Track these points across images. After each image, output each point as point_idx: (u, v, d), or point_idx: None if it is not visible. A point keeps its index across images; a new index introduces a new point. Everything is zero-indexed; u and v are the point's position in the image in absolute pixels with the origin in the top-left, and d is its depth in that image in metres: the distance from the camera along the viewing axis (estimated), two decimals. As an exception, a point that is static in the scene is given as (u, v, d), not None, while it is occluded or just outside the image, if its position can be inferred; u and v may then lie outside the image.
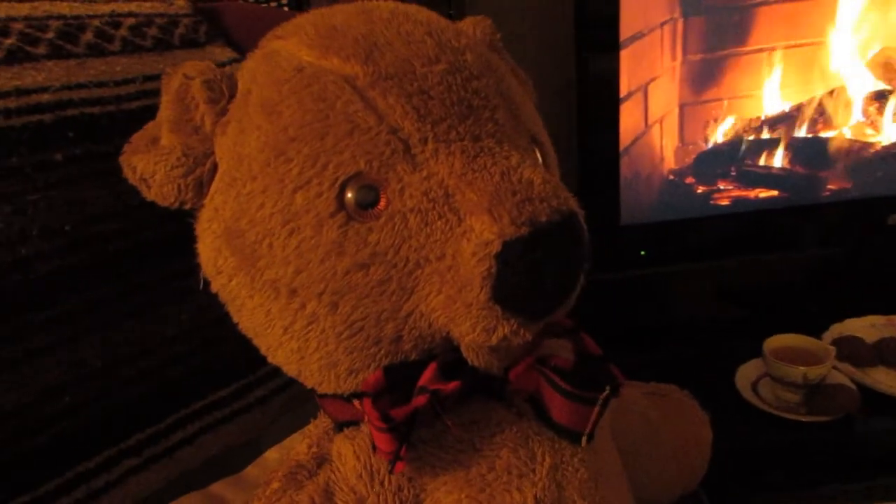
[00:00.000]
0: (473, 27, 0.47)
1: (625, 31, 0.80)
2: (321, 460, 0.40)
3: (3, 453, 0.40)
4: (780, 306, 0.90)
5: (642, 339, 0.88)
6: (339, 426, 0.41)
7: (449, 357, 0.37)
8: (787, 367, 0.74)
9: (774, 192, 0.91)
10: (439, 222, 0.34)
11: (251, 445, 0.51)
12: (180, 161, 0.37)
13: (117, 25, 0.54)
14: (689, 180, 0.90)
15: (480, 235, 0.33)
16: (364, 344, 0.36)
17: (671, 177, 0.89)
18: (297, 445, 0.41)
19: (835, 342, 0.82)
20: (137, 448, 0.46)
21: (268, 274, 0.35)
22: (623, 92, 0.82)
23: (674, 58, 0.84)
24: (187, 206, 0.38)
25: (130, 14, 0.56)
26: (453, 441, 0.38)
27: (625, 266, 0.90)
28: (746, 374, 0.80)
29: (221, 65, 0.49)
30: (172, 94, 0.38)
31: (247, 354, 0.39)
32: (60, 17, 0.52)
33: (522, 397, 0.40)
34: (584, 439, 0.39)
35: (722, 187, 0.91)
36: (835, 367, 0.78)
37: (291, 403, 0.43)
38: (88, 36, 0.52)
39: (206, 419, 0.50)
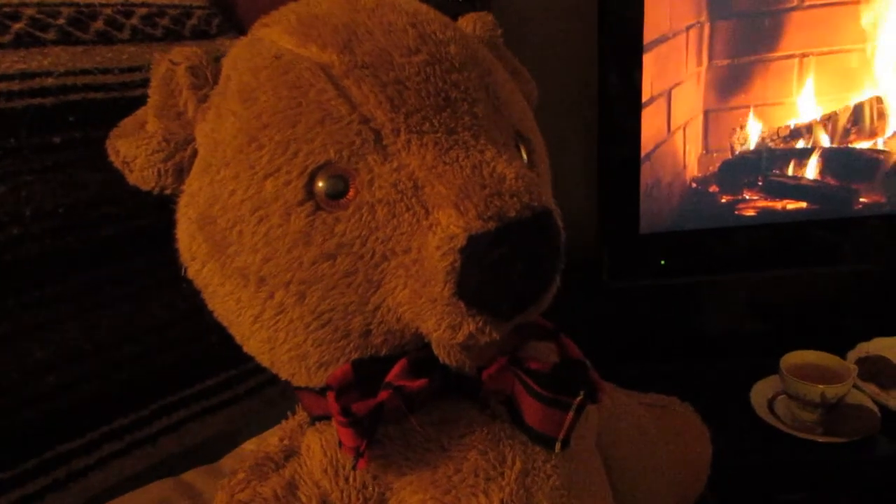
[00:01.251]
0: (474, 23, 0.46)
1: (649, 34, 0.78)
2: (290, 453, 0.39)
3: (-15, 428, 0.41)
4: (804, 323, 0.86)
5: (658, 350, 0.86)
6: (314, 420, 0.40)
7: (420, 354, 0.37)
8: (804, 384, 0.71)
9: (803, 204, 0.87)
10: (406, 214, 0.33)
11: (230, 436, 0.51)
12: (161, 146, 0.37)
13: (129, 14, 0.55)
14: (713, 189, 0.87)
15: (446, 229, 0.32)
16: (332, 336, 0.36)
17: (694, 185, 0.87)
18: (270, 438, 0.41)
19: (859, 361, 0.79)
20: (120, 432, 0.47)
21: (237, 261, 0.35)
22: (645, 97, 0.80)
23: (699, 63, 0.82)
24: (167, 192, 0.39)
25: (144, 4, 0.57)
26: (421, 440, 0.37)
27: (644, 275, 0.88)
28: (763, 390, 0.77)
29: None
30: (158, 79, 0.39)
31: (236, 345, 0.39)
32: (73, 4, 0.53)
33: (498, 399, 0.39)
34: (557, 445, 0.37)
35: (747, 197, 0.88)
36: (857, 387, 0.75)
37: (278, 397, 0.43)
38: (99, 24, 0.53)
39: (193, 408, 0.51)
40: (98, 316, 0.46)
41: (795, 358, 0.74)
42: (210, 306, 0.39)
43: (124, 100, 0.50)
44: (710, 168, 0.87)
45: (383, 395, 0.34)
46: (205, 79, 0.38)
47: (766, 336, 0.88)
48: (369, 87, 0.34)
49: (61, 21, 0.51)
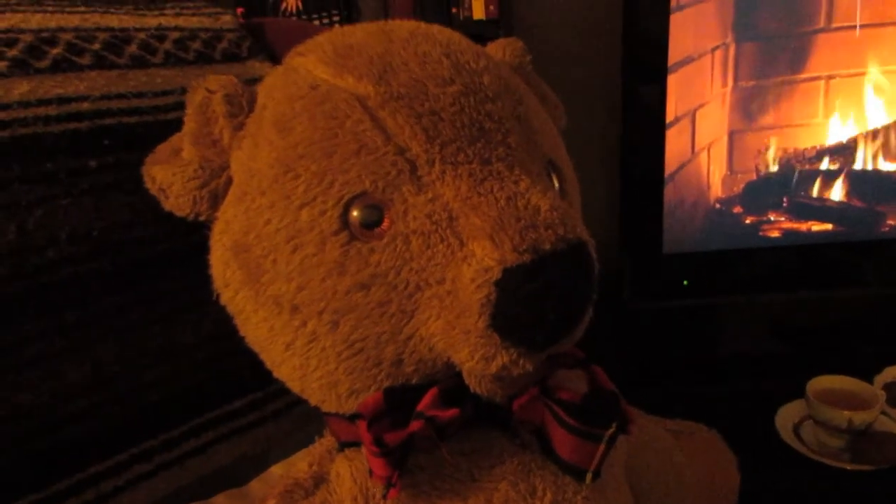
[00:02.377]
0: (503, 49, 0.46)
1: (674, 55, 0.78)
2: (319, 480, 0.39)
3: (16, 452, 0.42)
4: (830, 346, 0.85)
5: (680, 372, 0.85)
6: (342, 446, 0.40)
7: (451, 383, 0.36)
8: (830, 410, 0.70)
9: (829, 226, 0.87)
10: (441, 245, 0.33)
11: (258, 459, 0.51)
12: (196, 173, 0.38)
13: (162, 38, 0.56)
14: (737, 210, 0.87)
15: (481, 261, 0.32)
16: (364, 365, 0.36)
17: (718, 206, 0.86)
18: (299, 463, 0.41)
19: (886, 386, 0.77)
20: (149, 454, 0.47)
21: (271, 289, 0.36)
22: (670, 117, 0.80)
23: (724, 84, 0.81)
24: (202, 218, 0.39)
25: (176, 28, 0.58)
26: (451, 470, 0.37)
27: (666, 296, 0.88)
28: (788, 415, 0.76)
29: (259, 80, 0.50)
30: (195, 107, 0.39)
31: (263, 367, 0.39)
32: (108, 29, 0.54)
33: (528, 429, 0.39)
34: (588, 476, 0.37)
35: (772, 218, 0.87)
36: (885, 414, 0.74)
37: (306, 419, 0.43)
38: (133, 48, 0.53)
39: (220, 429, 0.51)
40: (128, 338, 0.47)
41: (822, 383, 0.73)
42: (242, 332, 0.39)
43: (157, 123, 0.51)
44: (735, 189, 0.87)
45: (415, 425, 0.34)
46: (240, 107, 0.38)
47: (791, 359, 0.88)
48: (404, 118, 0.34)
49: (97, 46, 0.52)
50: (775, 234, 0.87)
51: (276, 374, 0.39)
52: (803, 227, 0.87)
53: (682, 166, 0.83)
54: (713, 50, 0.79)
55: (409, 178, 0.34)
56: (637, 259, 0.86)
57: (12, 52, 0.47)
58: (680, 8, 0.76)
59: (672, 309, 0.88)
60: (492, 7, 0.92)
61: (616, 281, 0.90)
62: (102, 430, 0.45)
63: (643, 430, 0.50)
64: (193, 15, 0.61)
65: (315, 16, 0.99)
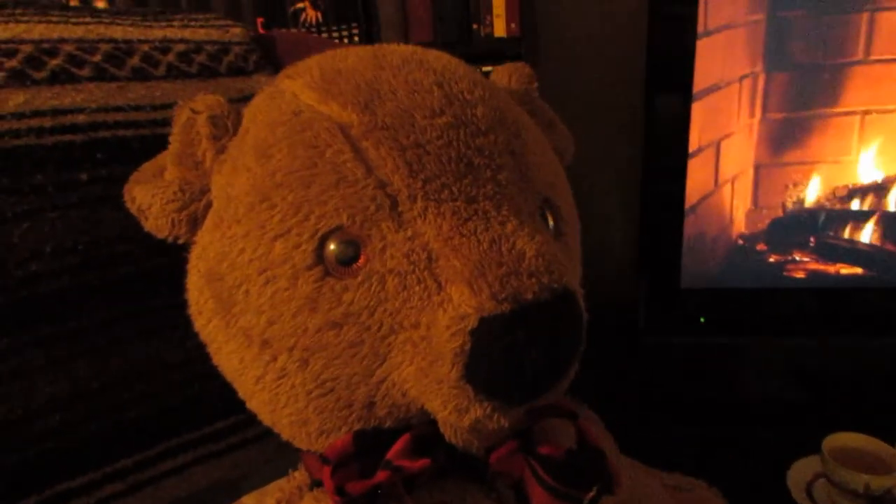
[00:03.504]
0: (509, 75, 0.44)
1: (699, 81, 0.75)
2: (286, 520, 0.38)
3: (-14, 467, 0.41)
4: (851, 396, 0.81)
5: (690, 411, 0.82)
6: (313, 484, 0.39)
7: (426, 430, 0.35)
8: (847, 472, 0.66)
9: (858, 270, 0.82)
10: (417, 287, 0.31)
11: (235, 482, 0.50)
12: (176, 196, 0.37)
13: (166, 51, 0.55)
14: (761, 247, 0.83)
15: (457, 308, 0.30)
16: (335, 405, 0.34)
17: (740, 241, 0.83)
18: (267, 499, 0.39)
19: (911, 447, 0.73)
20: (123, 473, 0.46)
21: (242, 321, 0.34)
22: (693, 146, 0.77)
23: (752, 115, 0.78)
24: (181, 241, 0.38)
25: (182, 40, 0.57)
26: (420, 523, 0.35)
27: (682, 331, 0.84)
28: (801, 471, 0.72)
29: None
30: (179, 126, 0.38)
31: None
32: (112, 40, 0.53)
33: (507, 483, 0.36)
34: (565, 539, 0.35)
35: (798, 258, 0.83)
36: (908, 476, 0.69)
37: (287, 445, 0.42)
38: (135, 60, 0.53)
39: (199, 451, 0.49)
40: (108, 354, 0.45)
41: (840, 440, 0.69)
42: (215, 361, 0.38)
43: (154, 137, 0.50)
44: (759, 225, 0.83)
45: (381, 475, 0.33)
46: (225, 129, 0.37)
47: (809, 408, 0.83)
48: (387, 150, 0.32)
49: (98, 58, 0.51)
50: (800, 274, 0.83)
51: (248, 406, 0.38)
52: (831, 269, 0.83)
53: (704, 198, 0.80)
54: (741, 78, 0.76)
55: (389, 214, 0.32)
56: (653, 291, 0.83)
57: (11, 63, 0.46)
58: (708, 33, 0.73)
59: (687, 345, 0.84)
60: (513, 25, 0.90)
61: (630, 312, 0.87)
62: (76, 448, 0.44)
63: (636, 483, 0.48)
64: (202, 27, 0.60)
65: (335, 27, 0.98)
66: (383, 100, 0.34)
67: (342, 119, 0.33)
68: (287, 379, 0.34)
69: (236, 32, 0.62)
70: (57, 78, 0.48)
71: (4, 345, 0.42)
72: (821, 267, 0.83)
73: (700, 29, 0.72)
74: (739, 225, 0.83)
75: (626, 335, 0.86)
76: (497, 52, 0.91)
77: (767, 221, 0.83)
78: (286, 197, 0.33)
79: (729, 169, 0.81)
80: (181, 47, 0.56)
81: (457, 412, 0.31)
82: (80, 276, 0.45)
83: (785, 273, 0.83)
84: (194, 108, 0.37)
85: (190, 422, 0.49)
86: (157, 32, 0.56)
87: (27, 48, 0.48)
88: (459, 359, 0.30)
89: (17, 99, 0.46)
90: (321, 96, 0.34)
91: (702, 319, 0.83)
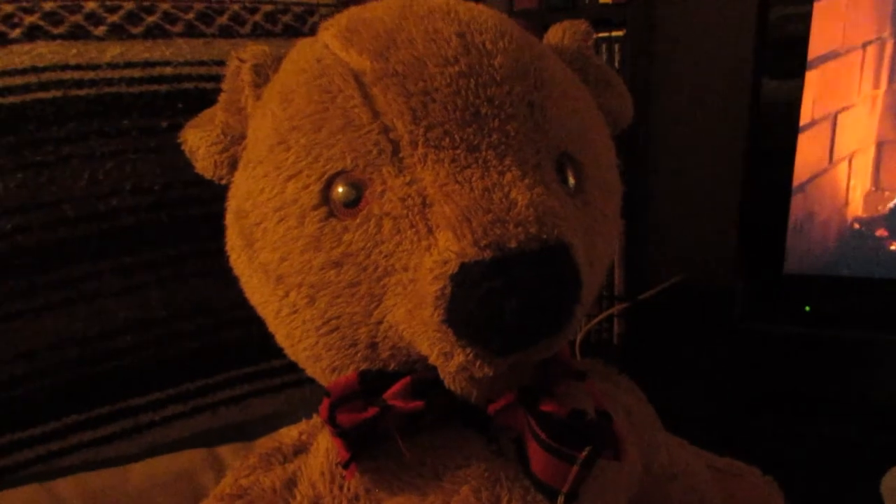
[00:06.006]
0: (563, 32, 0.43)
1: (815, 48, 0.68)
2: (300, 449, 0.40)
3: (66, 374, 0.47)
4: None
5: (785, 405, 0.76)
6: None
7: (428, 376, 0.35)
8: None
9: None
10: (410, 231, 0.32)
11: (287, 416, 0.53)
12: (219, 139, 0.40)
13: (254, 10, 0.59)
14: (881, 233, 0.74)
15: (441, 253, 0.30)
16: (341, 343, 0.36)
17: (856, 226, 0.75)
18: (294, 430, 0.42)
19: None
20: (185, 396, 0.51)
21: (261, 257, 0.36)
22: (805, 119, 0.70)
23: (876, 85, 0.70)
24: (223, 182, 0.41)
25: (271, 1, 0.61)
26: (415, 463, 0.36)
27: (783, 320, 0.78)
28: (897, 480, 0.65)
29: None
30: (229, 75, 0.41)
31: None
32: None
33: (510, 436, 0.36)
34: (560, 499, 0.34)
35: (924, 248, 0.74)
36: None
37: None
38: (223, 19, 0.57)
39: (256, 384, 0.53)
40: (176, 287, 0.50)
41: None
42: (247, 296, 0.41)
43: (231, 90, 0.53)
44: (879, 208, 0.75)
45: (371, 411, 0.34)
46: (266, 77, 0.39)
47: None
48: (394, 96, 0.33)
49: (190, 15, 0.55)
50: (925, 266, 0.74)
51: (276, 341, 0.41)
52: (962, 261, 0.73)
53: (815, 176, 0.73)
54: (865, 45, 0.68)
55: (391, 159, 0.33)
56: (753, 275, 0.78)
57: (112, 18, 0.52)
58: (828, -6, 0.66)
59: (789, 335, 0.78)
60: (618, -10, 0.86)
61: (728, 296, 0.82)
62: (145, 368, 0.49)
63: (675, 460, 0.45)
64: (293, -11, 0.63)
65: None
66: (399, 48, 0.34)
67: (358, 66, 0.34)
68: (298, 315, 0.36)
69: (327, -6, 0.64)
70: (151, 33, 0.53)
71: (86, 270, 0.47)
72: (951, 259, 0.73)
73: (819, -11, 0.65)
74: (856, 207, 0.75)
75: (720, 320, 0.81)
76: (602, 19, 0.88)
77: (889, 205, 0.74)
78: (299, 140, 0.34)
79: (846, 145, 0.73)
80: (269, 7, 0.60)
81: (442, 356, 0.32)
82: (155, 213, 0.50)
83: (906, 263, 0.74)
84: (241, 57, 0.40)
85: (249, 357, 0.53)
86: (250, -8, 0.59)
87: (129, 5, 0.53)
88: (441, 302, 0.30)
89: (113, 51, 0.51)
90: (343, 44, 0.36)
91: (807, 308, 0.76)
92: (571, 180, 0.36)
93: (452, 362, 0.32)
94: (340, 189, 0.33)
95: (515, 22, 0.40)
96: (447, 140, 0.32)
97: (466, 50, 0.34)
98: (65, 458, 0.47)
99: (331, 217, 0.34)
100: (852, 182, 0.74)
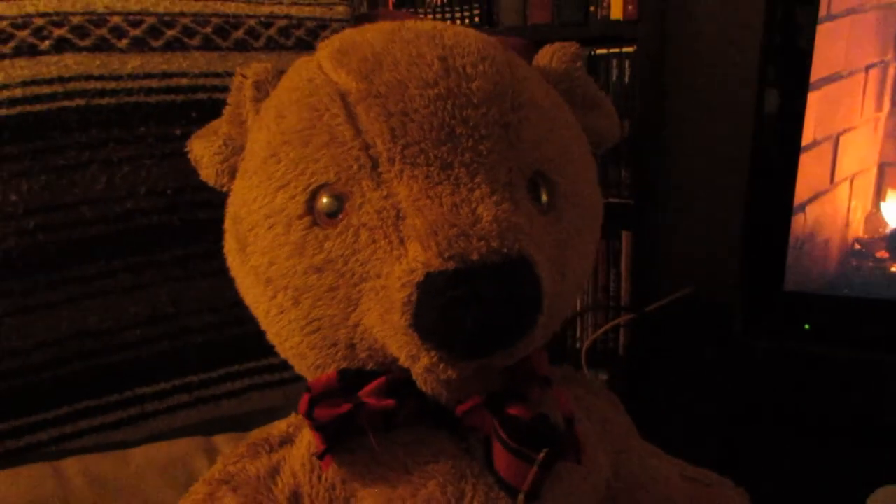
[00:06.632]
0: (551, 55, 0.46)
1: (818, 69, 0.69)
2: (286, 440, 0.43)
3: (81, 363, 0.50)
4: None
5: (778, 422, 0.76)
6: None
7: (402, 376, 0.38)
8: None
9: None
10: (384, 242, 0.35)
11: (285, 410, 0.56)
12: (221, 149, 0.43)
13: (269, 25, 0.62)
14: (881, 254, 0.75)
15: (410, 262, 0.33)
16: (322, 343, 0.38)
17: (857, 246, 0.75)
18: (282, 422, 0.45)
19: None
20: (189, 387, 0.54)
21: (252, 260, 0.39)
22: (807, 139, 0.71)
23: (878, 108, 0.70)
24: (224, 189, 0.44)
25: (286, 16, 0.64)
26: (388, 458, 0.38)
27: (782, 337, 0.79)
28: (884, 500, 0.65)
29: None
30: (233, 89, 0.44)
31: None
32: (223, 14, 0.61)
33: (478, 436, 0.39)
34: (520, 497, 0.36)
35: (925, 270, 0.74)
36: None
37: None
38: (239, 33, 0.60)
39: (256, 379, 0.56)
40: (184, 286, 0.53)
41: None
42: (241, 296, 0.44)
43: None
44: (880, 230, 0.75)
45: (345, 407, 0.36)
46: (266, 93, 0.42)
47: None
48: (375, 116, 0.36)
49: (208, 29, 0.59)
50: (926, 288, 0.74)
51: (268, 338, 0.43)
52: (963, 285, 0.73)
53: (816, 195, 0.73)
54: (868, 68, 0.69)
55: (370, 174, 0.35)
56: (754, 291, 0.78)
57: (135, 32, 0.56)
58: (831, 18, 0.67)
59: (787, 352, 0.78)
60: (630, 7, 0.87)
61: (728, 311, 0.83)
62: (151, 360, 0.53)
63: (645, 468, 0.47)
64: (308, 4, 0.66)
65: (458, 9, 1.02)
66: (383, 70, 0.37)
67: (345, 86, 0.37)
68: (285, 315, 0.39)
69: (339, 10, 0.67)
70: (170, 46, 0.56)
71: (101, 267, 0.51)
72: (951, 283, 0.73)
73: (822, 13, 0.66)
74: (856, 229, 0.76)
75: (720, 334, 0.82)
76: (614, 35, 0.89)
77: (890, 227, 0.75)
78: (289, 153, 0.37)
79: (848, 166, 0.73)
80: (283, 22, 0.63)
81: (410, 358, 0.34)
82: (167, 215, 0.53)
83: (907, 285, 0.75)
84: (244, 73, 0.43)
85: (251, 353, 0.56)
86: (265, 8, 0.63)
87: (151, 20, 0.57)
88: (408, 308, 0.33)
89: (134, 62, 0.54)
90: (333, 65, 0.38)
91: (806, 326, 0.77)
92: (544, 198, 0.39)
93: (419, 364, 0.34)
94: (324, 200, 0.36)
95: (504, 45, 0.42)
96: (422, 157, 0.35)
97: (447, 73, 0.37)
98: (75, 441, 0.50)
99: (314, 226, 0.36)
100: (853, 203, 0.75)
